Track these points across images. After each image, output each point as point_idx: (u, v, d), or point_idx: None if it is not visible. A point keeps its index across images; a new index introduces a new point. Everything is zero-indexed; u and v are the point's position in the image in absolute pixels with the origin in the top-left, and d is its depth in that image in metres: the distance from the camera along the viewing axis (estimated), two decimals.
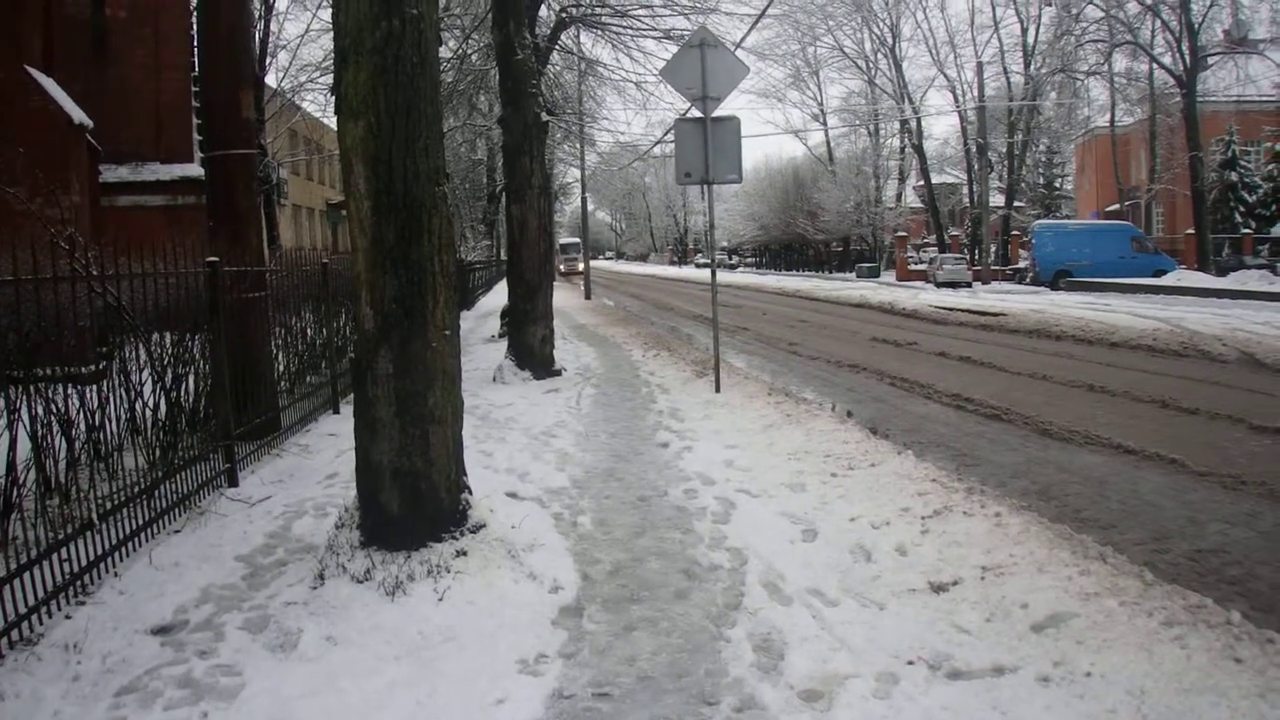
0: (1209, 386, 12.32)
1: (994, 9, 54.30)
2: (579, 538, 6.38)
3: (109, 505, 5.80)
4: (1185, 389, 11.97)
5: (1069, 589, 4.97)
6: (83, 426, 6.39)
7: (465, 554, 5.30)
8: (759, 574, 5.57)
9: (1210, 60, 44.58)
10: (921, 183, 62.01)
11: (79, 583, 5.29)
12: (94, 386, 6.48)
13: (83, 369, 6.13)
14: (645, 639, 4.73)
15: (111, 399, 6.62)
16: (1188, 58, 42.51)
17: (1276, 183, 48.27)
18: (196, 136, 19.71)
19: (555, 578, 5.47)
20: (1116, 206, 54.04)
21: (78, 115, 15.28)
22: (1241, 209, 49.34)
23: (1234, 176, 49.52)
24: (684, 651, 4.58)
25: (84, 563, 5.36)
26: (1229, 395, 11.57)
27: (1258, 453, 8.71)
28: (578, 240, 48.01)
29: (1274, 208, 48.22)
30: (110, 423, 6.59)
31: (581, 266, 44.73)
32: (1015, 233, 55.93)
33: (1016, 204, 58.78)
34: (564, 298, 34.39)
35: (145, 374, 7.29)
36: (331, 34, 5.76)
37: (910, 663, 4.36)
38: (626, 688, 4.23)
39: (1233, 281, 34.68)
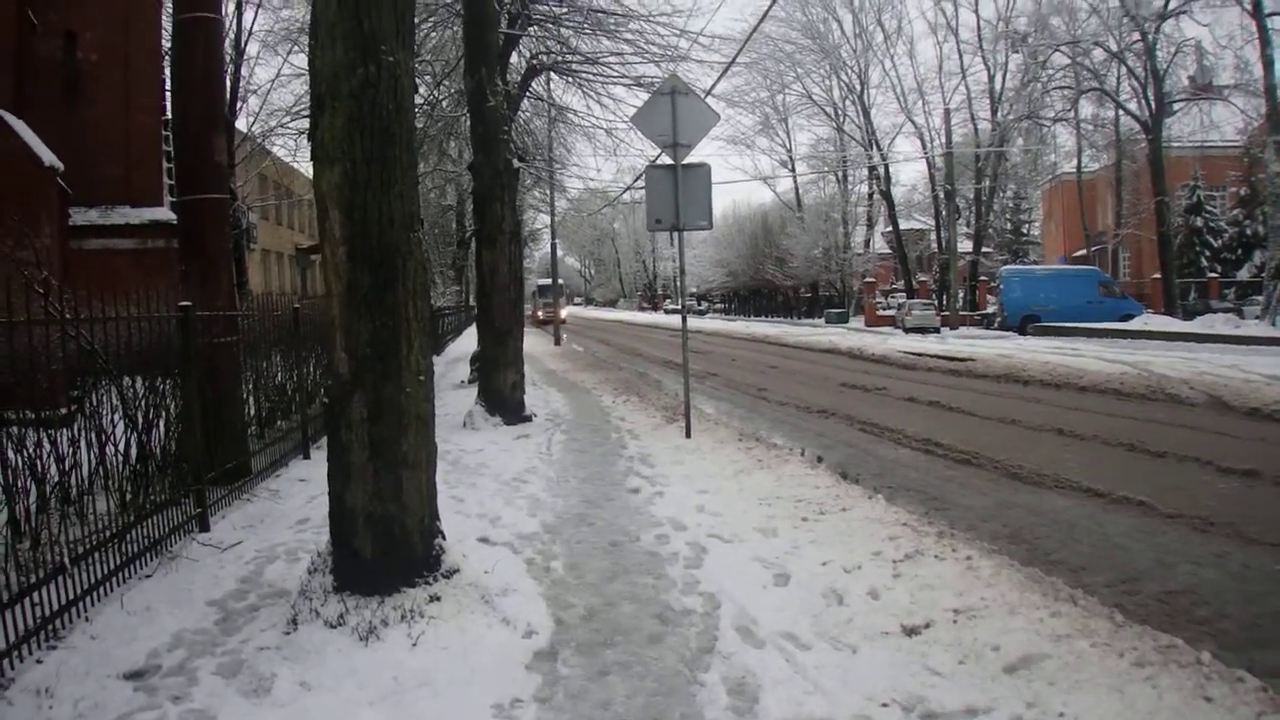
0: (1177, 429, 12.44)
1: (961, 56, 55.43)
2: (552, 583, 6.36)
3: (80, 549, 5.74)
4: (1153, 432, 12.08)
5: (1041, 631, 5.00)
6: (53, 470, 6.35)
7: (439, 599, 5.29)
8: (732, 618, 5.57)
9: (1175, 106, 45.20)
10: (890, 229, 62.40)
11: (50, 627, 5.23)
12: (65, 430, 6.45)
13: (53, 412, 6.10)
14: (619, 683, 4.72)
15: (82, 443, 6.58)
16: (1153, 104, 43.13)
17: (1241, 227, 49.01)
18: (167, 180, 19.66)
19: (529, 622, 5.46)
20: (1083, 251, 54.63)
21: (49, 157, 15.26)
22: (1207, 253, 50.02)
23: (1199, 221, 50.24)
24: (658, 695, 4.57)
25: (55, 607, 5.30)
26: (1197, 438, 11.68)
27: (1226, 495, 8.80)
28: (561, 282, 47.09)
29: (1239, 252, 48.95)
30: (81, 467, 6.55)
31: (564, 313, 44.11)
32: (983, 278, 56.39)
33: (984, 249, 59.27)
34: (533, 343, 34.36)
35: (117, 418, 7.25)
36: (302, 79, 5.82)
37: (884, 705, 4.37)
38: None
39: (1199, 325, 35.06)
